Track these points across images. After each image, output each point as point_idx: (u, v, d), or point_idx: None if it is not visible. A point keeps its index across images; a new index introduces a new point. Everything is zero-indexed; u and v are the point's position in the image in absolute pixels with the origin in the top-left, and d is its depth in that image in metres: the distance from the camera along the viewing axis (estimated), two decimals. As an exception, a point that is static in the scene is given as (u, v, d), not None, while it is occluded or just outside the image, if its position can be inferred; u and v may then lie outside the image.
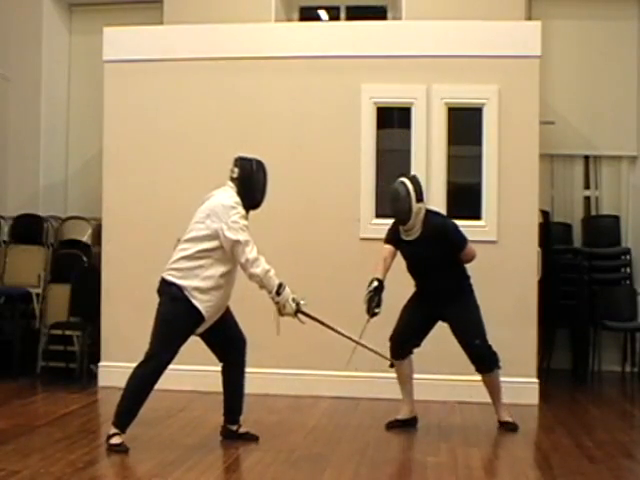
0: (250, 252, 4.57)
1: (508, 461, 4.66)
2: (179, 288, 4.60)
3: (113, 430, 4.58)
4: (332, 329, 4.92)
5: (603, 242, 7.73)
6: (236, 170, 4.79)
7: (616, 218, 7.80)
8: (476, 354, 5.18)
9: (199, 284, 4.59)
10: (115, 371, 6.43)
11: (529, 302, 6.15)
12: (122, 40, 6.63)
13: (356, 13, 8.03)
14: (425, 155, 6.31)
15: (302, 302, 4.73)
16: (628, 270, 7.71)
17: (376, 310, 5.09)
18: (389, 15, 8.11)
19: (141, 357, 6.70)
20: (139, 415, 5.60)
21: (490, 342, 5.21)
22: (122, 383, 6.30)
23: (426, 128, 6.31)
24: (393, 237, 5.30)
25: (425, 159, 6.30)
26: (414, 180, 5.21)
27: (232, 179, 4.78)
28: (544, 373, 6.79)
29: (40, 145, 8.18)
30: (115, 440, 4.56)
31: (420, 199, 5.12)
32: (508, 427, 5.32)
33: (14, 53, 8.14)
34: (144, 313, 6.51)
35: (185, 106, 6.54)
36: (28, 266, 7.29)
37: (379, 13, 8.14)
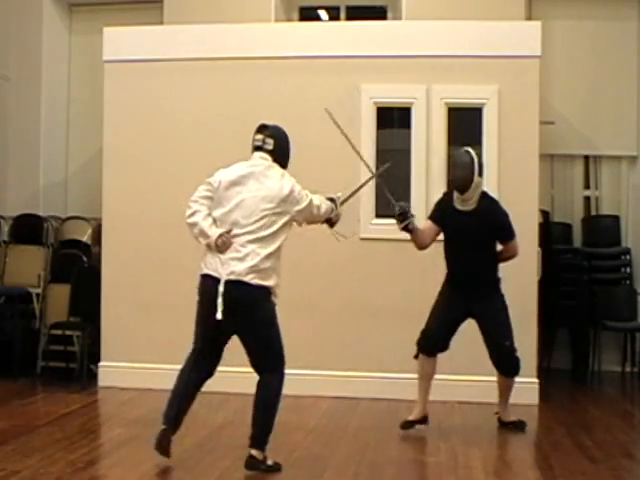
0: (316, 201, 4.44)
1: (508, 461, 4.66)
2: (269, 290, 4.21)
3: (261, 454, 4.25)
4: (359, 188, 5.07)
5: (603, 242, 7.73)
6: (270, 141, 4.40)
7: (616, 218, 7.80)
8: (504, 356, 5.16)
9: (277, 281, 4.27)
10: (115, 371, 6.45)
11: (529, 302, 6.15)
12: (122, 40, 6.63)
13: (356, 13, 8.03)
14: (425, 155, 6.31)
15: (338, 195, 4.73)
16: (628, 270, 7.71)
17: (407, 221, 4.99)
18: (389, 15, 8.11)
19: (141, 357, 6.73)
20: (139, 415, 5.62)
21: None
22: (122, 383, 6.35)
23: (426, 128, 6.31)
24: (439, 211, 5.23)
25: (425, 159, 6.30)
26: (477, 154, 5.18)
27: (267, 151, 4.38)
28: (544, 373, 6.78)
29: (40, 145, 8.18)
30: (270, 461, 4.28)
31: (480, 173, 5.08)
32: (517, 426, 5.33)
33: (14, 53, 8.14)
34: (144, 313, 6.57)
35: (185, 106, 6.54)
36: (28, 266, 7.29)
37: (379, 13, 8.14)
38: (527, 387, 6.08)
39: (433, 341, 5.23)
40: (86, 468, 4.33)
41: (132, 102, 6.61)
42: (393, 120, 6.68)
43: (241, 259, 4.13)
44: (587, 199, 7.96)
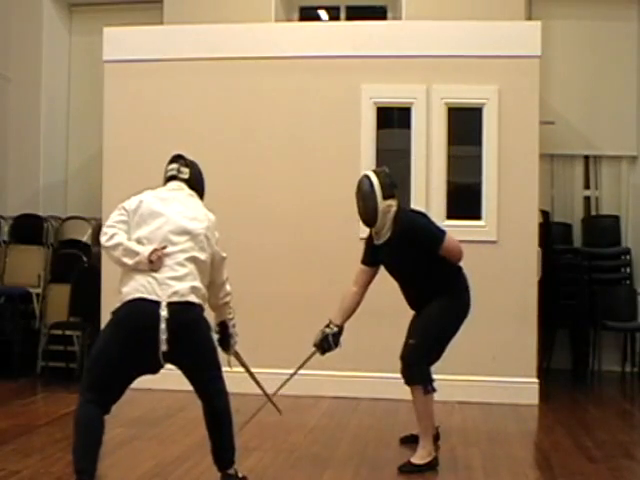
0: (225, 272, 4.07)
1: (508, 461, 4.66)
2: (203, 309, 3.86)
3: (234, 468, 3.91)
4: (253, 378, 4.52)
5: (603, 242, 7.73)
6: (186, 170, 4.10)
7: (616, 218, 7.80)
8: (403, 356, 4.63)
9: None
10: (115, 371, 6.43)
11: (529, 302, 6.15)
12: (122, 40, 6.63)
13: (356, 13, 8.03)
14: (425, 155, 6.31)
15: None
16: (628, 270, 7.72)
17: (330, 349, 4.63)
18: (389, 15, 8.11)
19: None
20: (139, 415, 5.62)
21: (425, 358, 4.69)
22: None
23: (426, 128, 6.31)
24: (370, 253, 4.66)
25: (425, 159, 6.30)
26: (382, 174, 4.56)
27: (183, 180, 4.05)
28: (544, 373, 6.79)
29: (40, 145, 8.18)
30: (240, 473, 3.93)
31: (389, 195, 4.47)
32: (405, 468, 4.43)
33: (14, 53, 8.15)
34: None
35: (185, 106, 6.54)
36: (28, 266, 7.29)
37: (379, 13, 8.15)
38: (527, 387, 6.08)
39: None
40: (86, 468, 4.32)
41: (132, 102, 6.61)
42: (393, 120, 6.68)
43: (180, 278, 3.64)
44: (587, 199, 7.96)
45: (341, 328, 4.66)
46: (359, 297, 4.74)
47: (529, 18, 7.44)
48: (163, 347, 3.54)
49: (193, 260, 3.73)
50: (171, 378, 6.55)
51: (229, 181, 6.45)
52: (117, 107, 6.62)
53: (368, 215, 4.51)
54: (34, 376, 6.88)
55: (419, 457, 4.46)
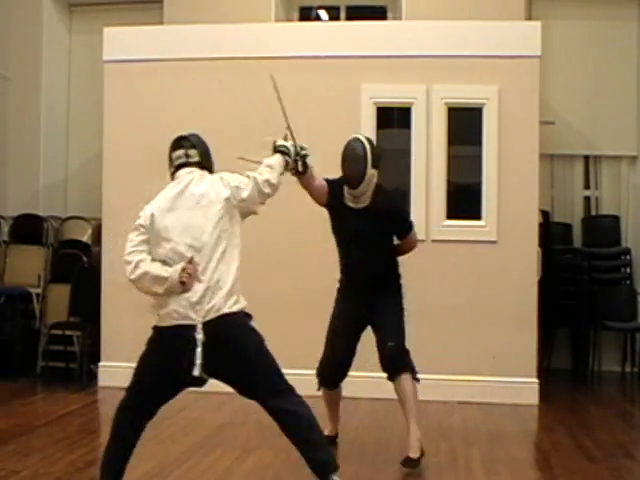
0: (263, 175, 4.02)
1: (508, 461, 4.66)
2: (246, 313, 3.68)
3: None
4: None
5: (603, 242, 7.73)
6: (194, 152, 3.86)
7: (616, 218, 7.80)
8: (386, 357, 4.60)
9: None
10: (115, 371, 6.43)
11: (529, 302, 6.15)
12: (122, 40, 6.63)
13: (356, 13, 8.02)
14: (425, 155, 6.31)
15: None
16: (628, 270, 7.71)
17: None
18: (389, 15, 8.11)
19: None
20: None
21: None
22: (122, 383, 6.30)
23: (426, 128, 6.31)
24: (333, 192, 4.57)
25: (425, 159, 6.31)
26: (372, 143, 4.61)
27: (193, 164, 3.85)
28: (544, 373, 6.79)
29: (40, 145, 8.17)
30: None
31: (376, 165, 4.52)
32: (407, 463, 4.43)
33: (14, 53, 8.14)
34: (144, 313, 6.54)
35: (185, 106, 6.53)
36: (28, 266, 7.29)
37: (379, 13, 8.14)
38: (527, 387, 6.08)
39: (339, 373, 4.71)
40: (86, 468, 4.33)
41: (132, 102, 6.61)
42: (393, 120, 6.68)
43: (213, 290, 3.46)
44: (587, 199, 7.95)
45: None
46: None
47: (529, 18, 7.44)
48: (196, 372, 3.39)
49: (223, 255, 3.53)
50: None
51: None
52: (117, 107, 6.62)
53: (355, 178, 4.49)
54: (34, 376, 6.88)
55: (416, 450, 4.45)
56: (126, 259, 3.58)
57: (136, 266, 3.52)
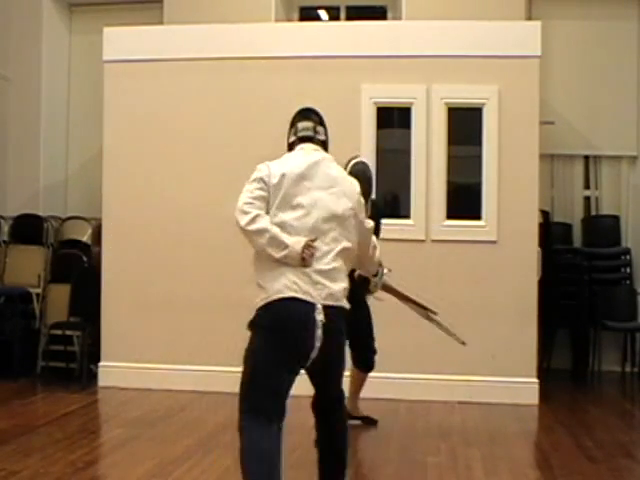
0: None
1: (508, 461, 4.66)
2: None
3: None
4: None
5: (603, 242, 7.72)
6: (322, 130, 3.48)
7: (616, 218, 7.80)
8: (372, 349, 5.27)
9: None
10: (115, 371, 6.45)
11: (529, 302, 6.15)
12: (122, 40, 6.63)
13: (356, 13, 8.02)
14: (425, 155, 6.31)
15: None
16: (628, 270, 7.71)
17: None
18: (389, 15, 8.11)
19: (141, 357, 6.73)
20: (139, 415, 5.62)
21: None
22: (122, 383, 6.36)
23: (426, 128, 6.31)
24: None
25: (425, 159, 6.30)
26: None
27: (320, 142, 3.46)
28: (544, 373, 6.78)
29: (40, 145, 8.17)
30: None
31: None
32: (368, 422, 5.37)
33: (14, 53, 8.14)
34: (144, 313, 6.57)
35: (185, 106, 6.54)
36: (28, 266, 7.28)
37: (379, 13, 8.14)
38: (527, 387, 6.08)
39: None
40: (86, 468, 4.33)
41: (132, 102, 6.61)
42: (393, 120, 6.68)
43: (334, 278, 3.18)
44: (587, 199, 7.95)
45: None
46: None
47: (529, 18, 7.44)
48: (313, 354, 3.11)
49: (342, 252, 3.25)
50: (171, 378, 6.58)
51: (229, 181, 6.45)
52: (117, 107, 6.62)
53: (367, 198, 4.43)
54: (34, 376, 6.88)
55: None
56: (242, 208, 3.20)
57: (254, 219, 3.16)
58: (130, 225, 6.57)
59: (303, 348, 3.12)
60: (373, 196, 5.18)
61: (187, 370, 6.30)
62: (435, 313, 4.75)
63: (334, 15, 8.22)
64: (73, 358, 6.89)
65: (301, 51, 6.41)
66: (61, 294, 7.02)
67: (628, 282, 7.68)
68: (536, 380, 6.17)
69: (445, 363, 6.04)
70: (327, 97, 6.38)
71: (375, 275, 3.88)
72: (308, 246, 3.11)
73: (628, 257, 7.70)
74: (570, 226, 7.86)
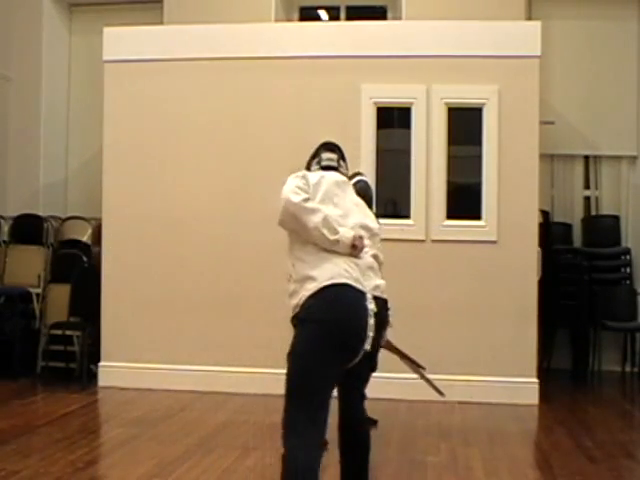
0: None
1: (508, 461, 4.66)
2: None
3: None
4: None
5: (603, 242, 7.73)
6: (344, 164, 3.53)
7: (616, 218, 7.80)
8: None
9: None
10: (115, 371, 6.45)
11: (529, 302, 6.15)
12: (122, 40, 6.63)
13: (356, 13, 8.02)
14: (425, 155, 6.31)
15: None
16: (628, 270, 7.71)
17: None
18: (389, 15, 8.11)
19: (141, 357, 6.73)
20: (139, 415, 5.62)
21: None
22: (122, 383, 6.36)
23: (426, 128, 6.31)
24: None
25: (425, 159, 6.30)
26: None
27: (344, 175, 3.48)
28: (544, 373, 6.78)
29: (40, 145, 8.17)
30: None
31: None
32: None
33: (14, 53, 8.14)
34: (144, 313, 6.57)
35: (185, 106, 6.54)
36: (28, 266, 7.28)
37: (379, 13, 8.14)
38: (527, 387, 6.08)
39: None
40: (86, 468, 4.33)
41: (132, 102, 6.61)
42: (393, 120, 6.68)
43: (377, 273, 3.31)
44: (587, 199, 7.95)
45: None
46: None
47: (529, 18, 7.44)
48: (367, 346, 2.95)
49: (376, 257, 3.41)
50: (171, 378, 6.57)
51: (229, 181, 6.46)
52: (117, 107, 6.62)
53: None
54: (34, 376, 6.88)
55: None
56: (294, 189, 3.06)
57: (307, 199, 3.05)
58: (130, 225, 6.57)
59: (355, 340, 2.93)
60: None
61: (187, 370, 6.30)
62: (424, 368, 4.71)
63: (334, 15, 8.22)
64: (73, 358, 6.89)
65: (301, 51, 6.41)
66: (61, 294, 7.02)
67: (628, 282, 7.68)
68: (536, 380, 6.17)
69: (445, 363, 6.04)
70: (327, 97, 6.41)
71: None
72: (360, 236, 3.07)
73: (628, 257, 7.70)
74: (570, 226, 7.86)
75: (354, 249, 3.03)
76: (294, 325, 3.03)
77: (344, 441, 3.43)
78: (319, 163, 3.44)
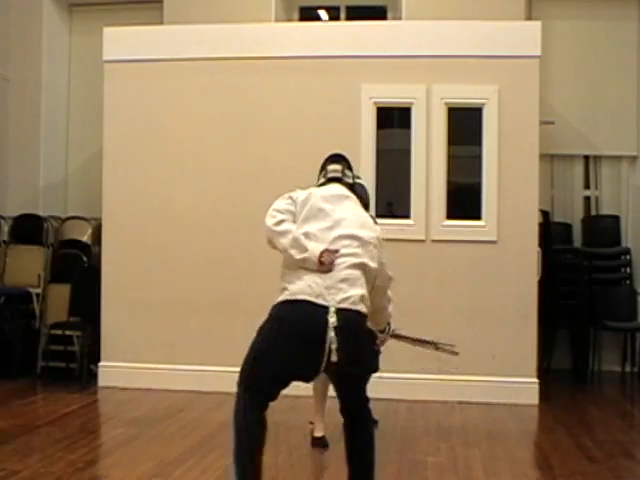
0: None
1: (508, 461, 4.66)
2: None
3: None
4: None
5: (603, 242, 7.73)
6: (350, 174, 3.75)
7: (616, 218, 7.80)
8: None
9: None
10: (115, 371, 6.45)
11: (529, 302, 6.15)
12: (122, 40, 6.63)
13: (356, 13, 8.02)
14: (425, 155, 6.31)
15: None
16: (628, 270, 7.72)
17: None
18: (389, 15, 8.11)
19: (141, 357, 6.73)
20: (139, 415, 5.62)
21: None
22: (122, 383, 6.36)
23: (426, 128, 6.31)
24: None
25: (425, 159, 6.30)
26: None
27: (348, 185, 3.69)
28: (544, 373, 6.78)
29: (40, 145, 8.17)
30: None
31: None
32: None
33: (14, 53, 8.14)
34: (144, 313, 6.57)
35: (185, 106, 6.54)
36: (28, 266, 7.28)
37: (379, 13, 8.14)
38: (527, 387, 6.08)
39: None
40: (86, 468, 4.33)
41: (132, 102, 6.61)
42: (393, 120, 6.68)
43: (352, 283, 3.29)
44: (587, 199, 7.96)
45: None
46: None
47: (529, 18, 7.44)
48: (334, 357, 3.17)
49: (363, 267, 3.36)
50: (171, 378, 6.58)
51: (229, 180, 6.46)
52: (117, 107, 6.62)
53: None
54: (34, 376, 6.88)
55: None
56: (271, 213, 3.47)
57: (281, 222, 3.43)
58: (130, 225, 6.57)
59: (313, 349, 3.18)
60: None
61: (187, 370, 6.30)
62: (438, 346, 4.78)
63: (334, 15, 8.22)
64: (73, 358, 6.89)
65: (301, 51, 6.41)
66: (61, 294, 7.02)
67: (628, 282, 7.68)
68: (536, 380, 6.17)
69: (445, 363, 6.04)
70: (327, 97, 6.41)
71: (382, 331, 3.99)
72: (327, 251, 3.30)
73: (628, 257, 7.70)
74: (570, 226, 7.86)
75: (321, 265, 3.28)
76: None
77: (348, 426, 3.70)
78: (325, 175, 3.75)
